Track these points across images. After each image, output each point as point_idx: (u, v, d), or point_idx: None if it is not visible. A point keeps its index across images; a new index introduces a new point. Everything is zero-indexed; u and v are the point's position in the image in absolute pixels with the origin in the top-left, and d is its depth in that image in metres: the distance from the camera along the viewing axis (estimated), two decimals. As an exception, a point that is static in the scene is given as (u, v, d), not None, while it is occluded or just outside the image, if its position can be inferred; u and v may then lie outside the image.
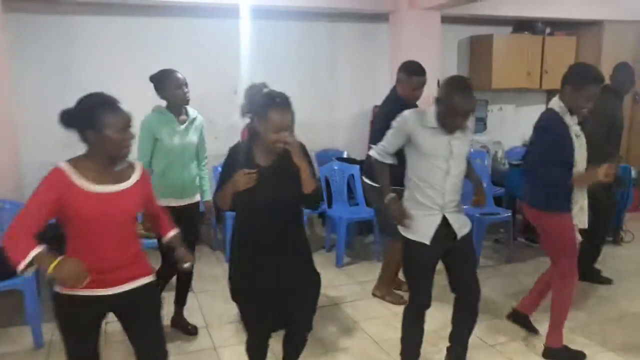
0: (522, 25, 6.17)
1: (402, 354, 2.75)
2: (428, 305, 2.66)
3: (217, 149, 4.75)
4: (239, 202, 2.16)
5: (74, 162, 1.87)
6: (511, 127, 6.56)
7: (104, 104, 1.84)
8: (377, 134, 3.13)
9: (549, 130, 2.77)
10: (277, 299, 2.28)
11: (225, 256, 4.61)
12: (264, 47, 5.24)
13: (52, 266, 1.68)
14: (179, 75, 3.13)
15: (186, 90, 3.14)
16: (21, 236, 1.73)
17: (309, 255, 2.39)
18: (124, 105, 1.91)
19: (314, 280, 2.39)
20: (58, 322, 1.95)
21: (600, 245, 4.15)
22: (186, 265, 2.14)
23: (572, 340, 3.13)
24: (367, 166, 3.50)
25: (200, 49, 5.04)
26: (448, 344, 2.80)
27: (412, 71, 3.50)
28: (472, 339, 3.19)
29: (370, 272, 4.36)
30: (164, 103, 3.13)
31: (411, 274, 2.67)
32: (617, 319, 3.53)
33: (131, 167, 2.00)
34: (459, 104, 2.36)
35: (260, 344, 2.44)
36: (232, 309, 3.62)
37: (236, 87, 5.30)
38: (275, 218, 2.21)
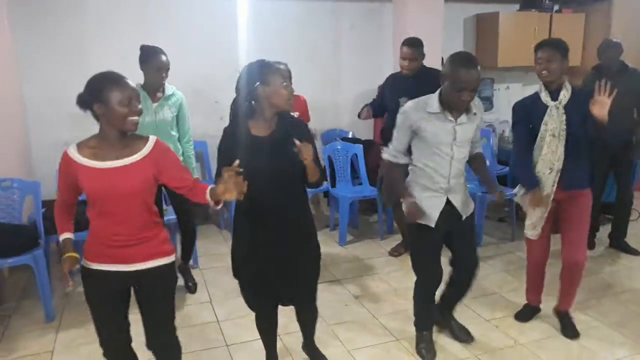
0: (529, 3, 6.08)
1: (416, 322, 2.89)
2: (437, 284, 2.77)
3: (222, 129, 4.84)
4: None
5: (82, 142, 1.97)
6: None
7: (111, 80, 1.92)
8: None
9: None
10: (279, 272, 2.33)
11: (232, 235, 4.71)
12: (267, 27, 5.25)
13: (63, 256, 2.00)
14: (164, 59, 3.22)
15: (164, 75, 3.25)
16: (58, 214, 2.06)
17: (311, 227, 2.41)
18: (131, 81, 1.97)
19: (316, 252, 2.43)
20: (85, 293, 2.09)
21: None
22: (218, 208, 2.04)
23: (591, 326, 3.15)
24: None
25: (203, 29, 5.05)
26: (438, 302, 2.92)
27: (402, 42, 3.76)
28: (470, 314, 3.28)
29: (372, 250, 4.43)
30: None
31: (418, 255, 2.74)
32: (615, 295, 3.56)
33: (142, 142, 2.01)
34: (464, 78, 2.35)
35: (266, 317, 2.51)
36: (236, 285, 3.71)
37: (237, 66, 5.33)
38: (276, 189, 2.21)
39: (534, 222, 2.94)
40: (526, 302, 3.26)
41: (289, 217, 2.29)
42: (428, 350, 2.82)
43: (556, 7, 6.12)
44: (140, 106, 1.96)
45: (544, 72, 2.75)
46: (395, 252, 4.29)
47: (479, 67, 2.39)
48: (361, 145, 4.93)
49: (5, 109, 3.90)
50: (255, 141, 2.19)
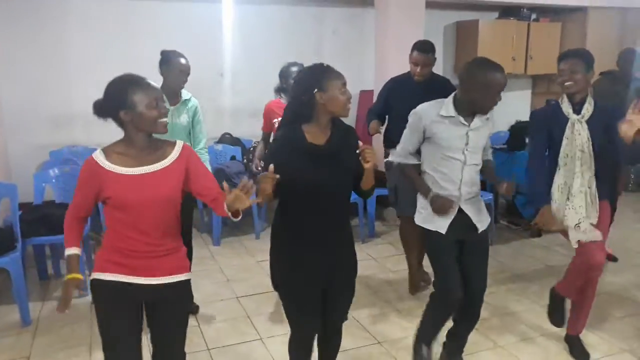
0: (508, 11, 6.23)
1: (418, 336, 2.71)
2: (457, 293, 2.50)
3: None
4: (288, 184, 1.94)
5: (108, 148, 1.87)
6: (497, 111, 6.55)
7: (133, 83, 1.81)
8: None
9: None
10: (322, 288, 2.18)
11: (212, 239, 4.68)
12: (250, 31, 5.27)
13: (67, 276, 1.88)
14: (185, 62, 3.24)
15: (185, 79, 3.25)
16: (69, 226, 1.91)
17: (352, 239, 2.27)
18: (151, 82, 1.87)
19: (355, 267, 2.29)
20: (95, 310, 1.92)
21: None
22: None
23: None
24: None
25: (187, 33, 5.04)
26: (444, 340, 2.79)
27: (414, 46, 3.56)
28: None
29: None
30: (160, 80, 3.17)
31: (435, 261, 2.62)
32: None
33: (170, 146, 1.92)
34: (496, 80, 2.32)
35: (307, 338, 2.27)
36: (218, 289, 3.74)
37: (222, 70, 5.34)
38: (328, 201, 2.08)
39: (577, 225, 2.71)
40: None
41: (336, 228, 2.17)
42: None
43: (534, 16, 6.27)
44: (166, 106, 1.88)
45: (568, 82, 2.62)
46: (415, 290, 3.74)
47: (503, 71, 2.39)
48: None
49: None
50: (312, 149, 2.06)
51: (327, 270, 2.14)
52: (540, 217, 2.69)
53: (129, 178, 1.81)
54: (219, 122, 5.39)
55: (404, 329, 3.17)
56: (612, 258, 4.27)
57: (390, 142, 3.38)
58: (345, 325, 2.98)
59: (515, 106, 6.40)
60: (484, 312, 3.32)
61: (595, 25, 6.17)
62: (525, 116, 6.85)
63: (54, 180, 3.89)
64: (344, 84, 2.06)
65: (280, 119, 3.49)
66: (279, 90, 3.59)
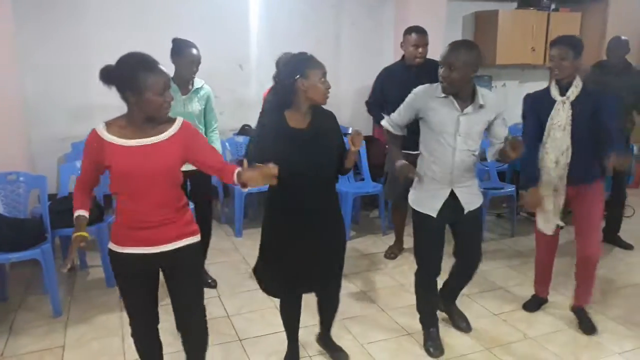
0: (527, 1, 6.15)
1: (421, 320, 2.92)
2: (437, 273, 2.78)
3: (224, 124, 4.80)
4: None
5: (111, 121, 1.96)
6: (514, 103, 6.56)
7: (144, 66, 1.86)
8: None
9: None
10: (309, 258, 2.37)
11: (234, 230, 4.70)
12: (270, 22, 5.25)
13: (75, 233, 1.95)
14: (196, 53, 3.25)
15: (195, 69, 3.27)
16: (77, 191, 2.04)
17: (339, 216, 2.49)
18: (163, 66, 1.92)
19: (343, 240, 2.53)
20: (115, 277, 2.12)
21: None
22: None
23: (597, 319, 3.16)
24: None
25: (207, 24, 5.02)
26: (440, 287, 2.96)
27: (408, 30, 3.77)
28: (478, 309, 3.32)
29: (375, 245, 4.46)
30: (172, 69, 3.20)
31: (420, 243, 2.77)
32: (617, 289, 3.63)
33: (170, 123, 2.00)
34: (443, 54, 2.49)
35: (292, 303, 2.55)
36: (244, 280, 3.75)
37: (242, 61, 5.32)
38: (313, 182, 2.28)
39: (547, 216, 2.97)
40: (534, 293, 3.31)
41: (321, 206, 2.36)
42: (435, 348, 2.84)
43: (553, 6, 6.19)
44: (172, 92, 1.95)
45: (555, 70, 2.80)
46: (391, 255, 4.21)
47: (464, 49, 2.46)
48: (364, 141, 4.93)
49: (7, 102, 3.83)
50: (294, 133, 2.23)
51: (313, 243, 2.35)
52: (529, 197, 2.83)
53: (127, 149, 1.90)
54: (239, 113, 5.38)
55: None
56: (627, 246, 4.33)
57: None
58: (374, 317, 3.07)
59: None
60: (510, 304, 3.37)
61: (616, 15, 6.09)
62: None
63: (79, 172, 3.89)
64: (324, 74, 2.23)
65: None
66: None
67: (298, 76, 2.17)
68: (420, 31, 3.73)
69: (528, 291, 3.39)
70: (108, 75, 1.88)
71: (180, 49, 3.22)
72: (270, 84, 2.53)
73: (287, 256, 2.37)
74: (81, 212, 1.99)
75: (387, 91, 3.86)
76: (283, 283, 2.46)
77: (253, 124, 5.42)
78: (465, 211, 2.66)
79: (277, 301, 3.42)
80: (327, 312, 2.70)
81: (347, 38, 5.67)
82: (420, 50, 3.71)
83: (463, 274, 2.93)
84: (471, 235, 2.81)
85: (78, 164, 3.92)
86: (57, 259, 3.64)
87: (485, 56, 5.95)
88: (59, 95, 4.80)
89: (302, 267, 2.39)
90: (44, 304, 3.32)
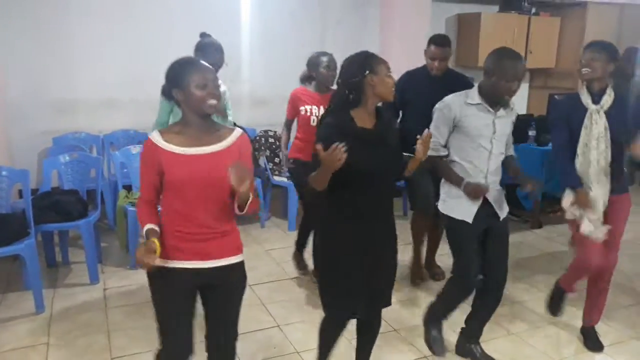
0: (509, 4, 6.27)
1: (429, 318, 2.82)
2: (475, 282, 2.62)
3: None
4: (342, 167, 1.95)
5: (165, 129, 1.92)
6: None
7: (188, 63, 1.89)
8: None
9: None
10: (369, 272, 2.21)
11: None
12: (254, 19, 5.25)
13: (148, 240, 1.82)
14: (218, 57, 3.43)
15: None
16: (142, 205, 1.93)
17: (394, 226, 2.32)
18: (206, 64, 1.92)
19: (396, 256, 2.34)
20: (151, 294, 1.95)
21: None
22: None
23: (577, 314, 3.18)
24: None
25: (189, 19, 4.98)
26: (463, 326, 2.85)
27: (430, 40, 3.55)
28: (462, 306, 3.35)
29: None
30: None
31: (457, 250, 2.67)
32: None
33: (228, 132, 1.95)
34: (510, 69, 2.39)
35: (341, 323, 2.33)
36: (273, 270, 3.70)
37: (229, 60, 5.29)
38: (378, 184, 2.16)
39: (596, 222, 2.76)
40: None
41: (382, 213, 2.23)
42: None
43: (534, 10, 6.33)
44: (219, 89, 1.91)
45: (584, 69, 2.66)
46: (416, 281, 3.79)
47: (522, 61, 2.47)
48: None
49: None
50: (363, 133, 2.12)
51: (372, 254, 2.20)
52: (579, 197, 2.69)
53: (185, 158, 1.84)
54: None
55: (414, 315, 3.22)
56: None
57: (405, 141, 3.40)
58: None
59: (515, 99, 6.47)
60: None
61: (593, 21, 6.25)
62: (522, 109, 6.94)
63: (63, 167, 3.84)
64: (389, 69, 2.16)
65: (307, 106, 3.54)
66: (305, 79, 3.61)
67: (367, 72, 2.10)
68: (439, 44, 3.48)
69: (509, 289, 3.44)
70: (163, 88, 1.90)
71: (204, 50, 3.40)
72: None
73: (349, 265, 2.18)
74: (149, 227, 1.86)
75: (408, 97, 3.58)
76: (344, 295, 2.23)
77: (243, 123, 5.42)
78: (500, 217, 2.62)
79: (263, 298, 3.44)
80: (368, 339, 2.45)
81: (332, 36, 5.68)
82: (436, 63, 3.49)
83: (492, 294, 2.70)
84: (503, 246, 2.69)
85: (61, 158, 3.87)
86: (39, 255, 3.59)
87: (467, 58, 6.07)
88: (41, 89, 4.71)
89: (361, 280, 2.20)
90: (25, 299, 3.27)
